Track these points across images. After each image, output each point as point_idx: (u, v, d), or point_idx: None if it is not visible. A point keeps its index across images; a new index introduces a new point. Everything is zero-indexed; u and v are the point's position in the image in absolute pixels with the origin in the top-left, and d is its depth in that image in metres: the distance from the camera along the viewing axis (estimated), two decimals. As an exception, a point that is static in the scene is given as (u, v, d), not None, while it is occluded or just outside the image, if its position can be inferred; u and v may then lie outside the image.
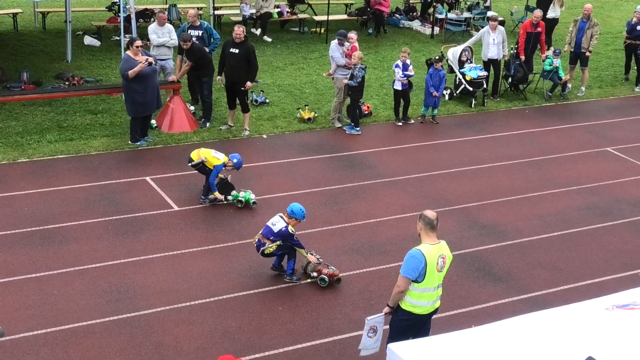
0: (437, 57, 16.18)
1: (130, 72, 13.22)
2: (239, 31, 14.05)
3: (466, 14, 23.03)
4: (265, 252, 9.90)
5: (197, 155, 11.82)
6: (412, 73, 15.62)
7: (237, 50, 14.00)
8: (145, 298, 9.46)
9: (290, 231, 9.74)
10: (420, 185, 11.77)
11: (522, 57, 17.69)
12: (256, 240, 9.96)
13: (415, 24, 23.47)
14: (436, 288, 7.51)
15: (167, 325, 8.96)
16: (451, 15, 22.80)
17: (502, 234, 11.56)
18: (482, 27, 18.86)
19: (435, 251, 7.41)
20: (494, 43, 17.24)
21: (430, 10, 23.56)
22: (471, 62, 17.54)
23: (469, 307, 9.62)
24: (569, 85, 18.19)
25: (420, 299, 7.45)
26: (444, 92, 16.91)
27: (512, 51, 17.82)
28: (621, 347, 5.61)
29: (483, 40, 17.43)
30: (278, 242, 9.79)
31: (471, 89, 17.09)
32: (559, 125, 16.36)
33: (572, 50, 18.08)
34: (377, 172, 13.45)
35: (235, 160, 11.85)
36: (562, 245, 11.35)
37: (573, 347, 5.60)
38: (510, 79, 17.81)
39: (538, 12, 18.28)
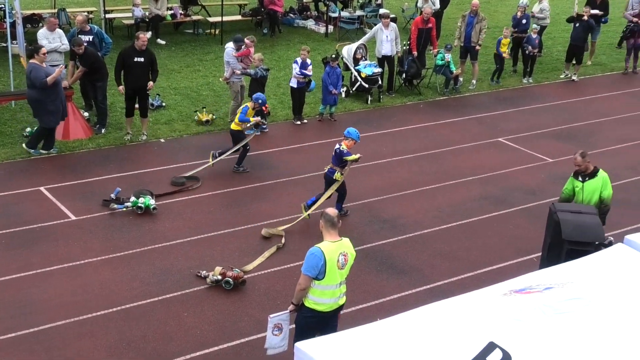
0: (332, 56, 16.27)
1: (49, 78, 12.81)
2: (144, 39, 13.75)
3: (359, 12, 23.28)
4: (335, 177, 11.38)
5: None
6: (309, 72, 15.66)
7: (142, 59, 13.70)
8: (44, 312, 9.12)
9: (342, 148, 11.28)
10: (322, 183, 11.79)
11: (415, 53, 18.01)
12: (327, 169, 11.55)
13: (310, 23, 23.56)
14: (338, 285, 7.53)
15: (69, 339, 8.67)
16: (344, 13, 23.01)
17: (403, 227, 11.72)
18: (375, 24, 19.09)
19: (335, 249, 7.43)
20: (387, 40, 17.48)
21: (323, 8, 23.71)
22: (366, 60, 17.73)
23: (374, 301, 9.71)
24: (461, 79, 18.64)
25: (322, 297, 7.46)
26: (341, 89, 17.04)
27: (404, 47, 18.12)
28: (520, 330, 5.76)
29: (377, 38, 17.65)
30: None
31: (367, 85, 17.28)
32: (452, 118, 16.73)
33: (462, 44, 18.52)
34: (278, 172, 13.41)
35: (260, 101, 13.14)
36: (461, 235, 11.61)
37: (475, 333, 5.72)
38: (404, 75, 18.10)
39: (428, 9, 18.65)
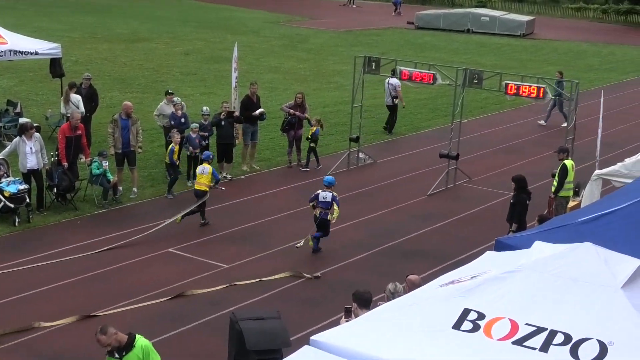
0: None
1: None
2: None
3: (-6, 122, 22.54)
4: (333, 217, 16.07)
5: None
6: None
7: None
8: None
9: (335, 194, 16.11)
10: None
11: (65, 164, 17.83)
12: (319, 213, 15.87)
13: None
14: None
15: None
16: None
17: (72, 363, 11.34)
18: (15, 135, 18.63)
19: None
20: (31, 152, 17.14)
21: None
22: (8, 176, 17.17)
23: None
24: (120, 187, 18.76)
25: None
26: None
27: (52, 159, 17.87)
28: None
29: (19, 150, 17.22)
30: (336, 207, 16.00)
31: (12, 205, 16.69)
32: (116, 232, 16.70)
33: (120, 150, 18.68)
34: None
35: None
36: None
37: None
38: (55, 189, 17.80)
39: (77, 114, 18.65)
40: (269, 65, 37.99)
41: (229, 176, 20.61)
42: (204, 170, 17.49)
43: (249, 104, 21.44)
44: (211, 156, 18.26)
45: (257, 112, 21.37)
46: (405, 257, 16.16)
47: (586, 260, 6.93)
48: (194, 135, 19.80)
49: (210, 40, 44.68)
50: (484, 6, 73.24)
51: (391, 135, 26.31)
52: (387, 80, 25.48)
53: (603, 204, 11.27)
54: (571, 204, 17.10)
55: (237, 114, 20.90)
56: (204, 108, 21.00)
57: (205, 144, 20.27)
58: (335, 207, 16.10)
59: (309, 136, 21.82)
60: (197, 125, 20.08)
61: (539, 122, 28.76)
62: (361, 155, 22.84)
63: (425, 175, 21.08)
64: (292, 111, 21.90)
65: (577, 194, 17.50)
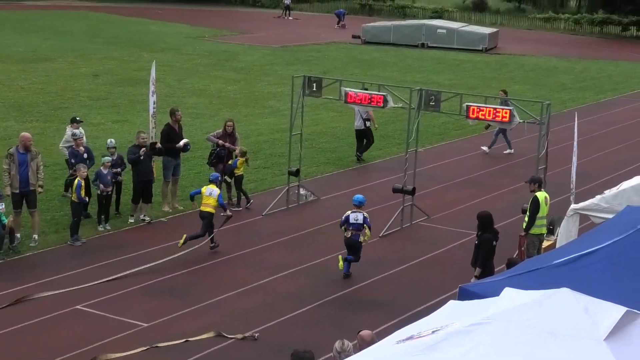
0: None
1: None
2: None
3: None
4: (365, 240, 17.79)
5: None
6: None
7: None
8: None
9: (366, 215, 17.80)
10: None
11: (-48, 207, 17.56)
12: (350, 234, 17.53)
13: None
14: None
15: None
16: None
17: None
18: None
19: None
20: None
21: None
22: None
23: None
24: (18, 234, 18.50)
25: None
26: None
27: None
28: None
29: None
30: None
31: None
32: (13, 288, 16.43)
33: (17, 190, 18.43)
34: None
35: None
36: None
37: None
38: (-60, 238, 17.47)
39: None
40: (192, 88, 38.05)
41: (147, 218, 20.48)
42: (212, 192, 18.90)
43: (171, 134, 21.33)
44: (219, 178, 19.69)
45: (181, 142, 21.29)
46: (354, 310, 16.19)
47: (563, 308, 7.02)
48: (105, 171, 19.64)
49: (123, 59, 44.61)
50: (440, 17, 74.38)
51: (355, 164, 26.55)
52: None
53: (581, 243, 11.47)
54: (545, 243, 17.33)
55: (159, 145, 20.80)
56: (110, 140, 20.85)
57: (119, 181, 20.16)
58: (367, 229, 17.60)
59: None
60: (110, 159, 19.91)
61: (505, 151, 29.18)
62: (302, 191, 22.89)
63: (377, 213, 21.22)
64: (220, 142, 21.86)
65: (551, 231, 17.75)
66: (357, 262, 17.67)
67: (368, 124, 27.06)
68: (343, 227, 17.75)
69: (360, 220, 17.57)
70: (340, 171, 26.21)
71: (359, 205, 17.79)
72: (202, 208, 18.85)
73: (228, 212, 19.29)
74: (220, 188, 19.33)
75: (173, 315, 15.62)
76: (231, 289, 16.53)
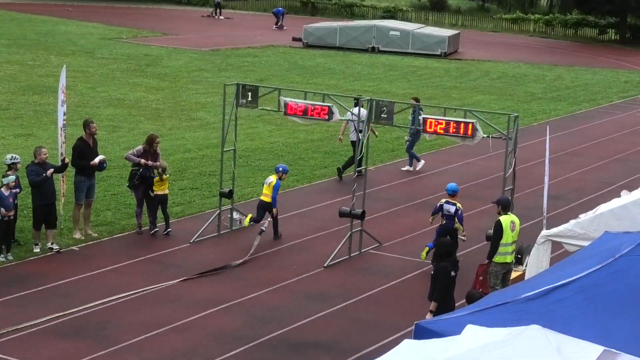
0: None
1: None
2: None
3: None
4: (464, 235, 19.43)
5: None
6: None
7: None
8: None
9: (458, 207, 19.24)
10: None
11: None
12: (445, 222, 19.40)
13: None
14: None
15: None
16: None
17: None
18: None
19: None
20: None
21: None
22: None
23: None
24: None
25: None
26: None
27: None
28: None
29: None
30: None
31: None
32: None
33: None
34: None
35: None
36: None
37: None
38: None
39: None
40: (108, 97, 37.90)
41: (56, 247, 20.28)
42: (269, 181, 21.57)
43: (85, 149, 21.13)
44: (285, 169, 22.15)
45: (96, 159, 21.10)
46: (295, 351, 16.19)
47: (534, 348, 7.08)
48: (6, 193, 19.39)
49: (26, 64, 44.31)
50: (393, 17, 74.81)
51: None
52: (348, 113, 24.77)
53: (553, 274, 11.58)
54: (513, 274, 17.49)
55: (67, 160, 20.58)
56: (11, 156, 20.37)
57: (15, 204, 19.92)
58: (458, 224, 19.20)
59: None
60: (14, 177, 19.56)
61: (403, 168, 29.42)
62: (235, 215, 22.84)
63: (321, 240, 21.27)
64: (142, 161, 21.56)
65: (519, 261, 17.91)
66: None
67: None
68: (433, 217, 19.63)
69: (452, 212, 19.19)
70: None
71: (452, 195, 19.15)
72: (262, 198, 21.69)
73: (265, 224, 21.32)
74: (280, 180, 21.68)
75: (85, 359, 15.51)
76: (152, 328, 16.42)
